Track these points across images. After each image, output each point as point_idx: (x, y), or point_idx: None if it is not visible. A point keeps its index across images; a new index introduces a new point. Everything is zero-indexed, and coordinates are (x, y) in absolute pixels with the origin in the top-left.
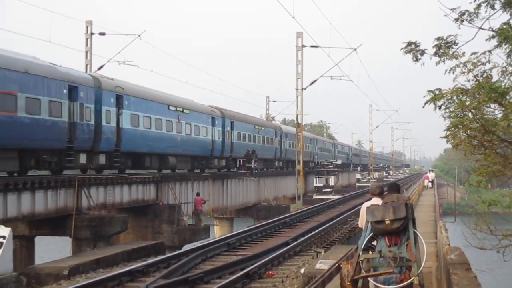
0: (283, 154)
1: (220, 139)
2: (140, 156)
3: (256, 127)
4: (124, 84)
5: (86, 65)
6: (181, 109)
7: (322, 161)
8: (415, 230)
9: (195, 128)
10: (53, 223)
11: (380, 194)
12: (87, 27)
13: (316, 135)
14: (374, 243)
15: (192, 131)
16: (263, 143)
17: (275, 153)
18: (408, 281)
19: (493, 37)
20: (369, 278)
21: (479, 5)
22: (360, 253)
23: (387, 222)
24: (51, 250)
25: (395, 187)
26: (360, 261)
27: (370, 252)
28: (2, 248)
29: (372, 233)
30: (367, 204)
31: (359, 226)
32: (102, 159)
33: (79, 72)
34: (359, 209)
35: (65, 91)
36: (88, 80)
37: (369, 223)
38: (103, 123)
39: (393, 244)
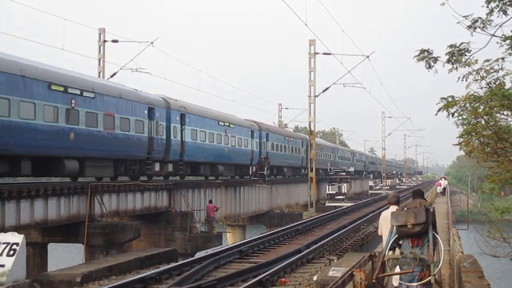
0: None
1: (258, 150)
2: (197, 165)
3: (286, 138)
4: (186, 104)
5: (99, 72)
6: (228, 124)
7: (334, 168)
8: (434, 233)
9: (238, 140)
10: (66, 230)
11: (396, 203)
12: (100, 34)
13: (328, 142)
14: (401, 242)
15: (236, 143)
16: (292, 152)
17: (301, 162)
18: (427, 279)
19: (504, 40)
20: (393, 276)
21: (491, 11)
22: (386, 253)
23: (409, 226)
24: (65, 257)
25: (419, 193)
26: (386, 261)
27: (397, 251)
28: (15, 255)
29: (396, 236)
30: (385, 212)
31: (379, 234)
32: (170, 167)
33: (154, 95)
34: (372, 216)
35: (145, 111)
36: (161, 102)
37: (394, 227)
38: (172, 137)
39: (416, 245)
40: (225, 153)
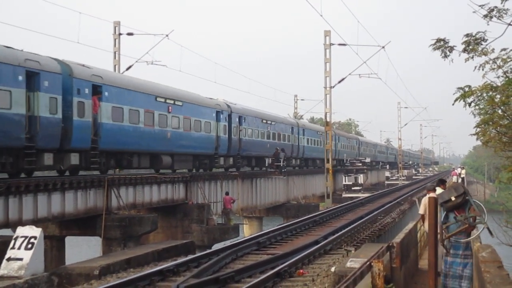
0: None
1: (335, 149)
2: (308, 160)
3: (348, 139)
4: (304, 122)
5: (115, 65)
6: (320, 133)
7: (351, 159)
8: (474, 200)
9: (315, 141)
10: (83, 223)
11: (434, 190)
12: (115, 27)
13: (371, 140)
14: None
15: (311, 143)
16: (349, 150)
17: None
18: (480, 231)
19: None
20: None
21: None
22: (442, 224)
23: (453, 199)
24: (83, 250)
25: (442, 180)
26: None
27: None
28: (33, 249)
29: (445, 212)
30: (426, 198)
31: (420, 213)
32: (298, 161)
33: (293, 119)
34: (389, 207)
35: (290, 130)
36: (295, 123)
37: (442, 206)
38: (299, 143)
39: (460, 215)
40: (321, 151)
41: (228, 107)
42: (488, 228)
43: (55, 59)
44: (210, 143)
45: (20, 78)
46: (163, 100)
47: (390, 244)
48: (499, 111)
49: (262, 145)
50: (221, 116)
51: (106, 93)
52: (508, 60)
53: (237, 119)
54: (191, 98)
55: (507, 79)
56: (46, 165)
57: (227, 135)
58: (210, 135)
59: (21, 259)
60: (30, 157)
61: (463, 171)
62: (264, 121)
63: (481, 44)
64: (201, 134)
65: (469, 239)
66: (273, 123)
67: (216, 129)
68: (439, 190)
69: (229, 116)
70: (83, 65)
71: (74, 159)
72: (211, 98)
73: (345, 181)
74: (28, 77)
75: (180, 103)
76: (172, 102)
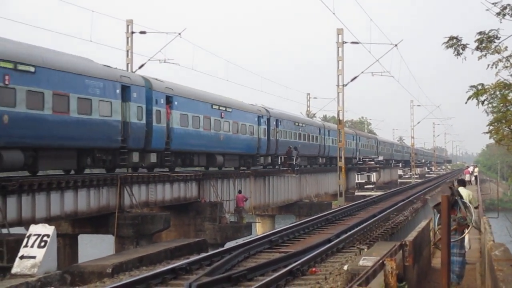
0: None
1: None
2: (332, 159)
3: (367, 139)
4: (327, 124)
5: (127, 63)
6: (357, 136)
7: (363, 157)
8: (463, 200)
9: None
10: (96, 222)
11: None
12: (127, 26)
13: (388, 139)
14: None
15: (335, 143)
16: (369, 149)
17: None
18: (468, 230)
19: None
20: None
21: None
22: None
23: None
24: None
25: (462, 181)
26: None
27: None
28: (46, 247)
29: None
30: None
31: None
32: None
33: (319, 121)
34: (401, 205)
35: (317, 130)
36: (321, 124)
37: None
38: (325, 144)
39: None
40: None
41: (267, 112)
42: (474, 227)
43: (139, 75)
44: (253, 144)
45: (118, 91)
46: (217, 107)
47: (403, 243)
48: None
49: (295, 145)
50: (261, 120)
51: (176, 103)
52: None
53: (274, 122)
54: (238, 105)
55: None
56: (134, 162)
57: (266, 137)
58: (253, 137)
59: (34, 257)
60: (123, 155)
61: (476, 169)
62: (296, 124)
63: (494, 42)
64: (246, 136)
65: (460, 237)
66: (303, 125)
67: (258, 132)
68: (461, 190)
69: (268, 120)
70: (157, 79)
71: (153, 158)
72: (252, 105)
73: (357, 180)
74: (122, 90)
75: (230, 110)
76: (224, 109)
